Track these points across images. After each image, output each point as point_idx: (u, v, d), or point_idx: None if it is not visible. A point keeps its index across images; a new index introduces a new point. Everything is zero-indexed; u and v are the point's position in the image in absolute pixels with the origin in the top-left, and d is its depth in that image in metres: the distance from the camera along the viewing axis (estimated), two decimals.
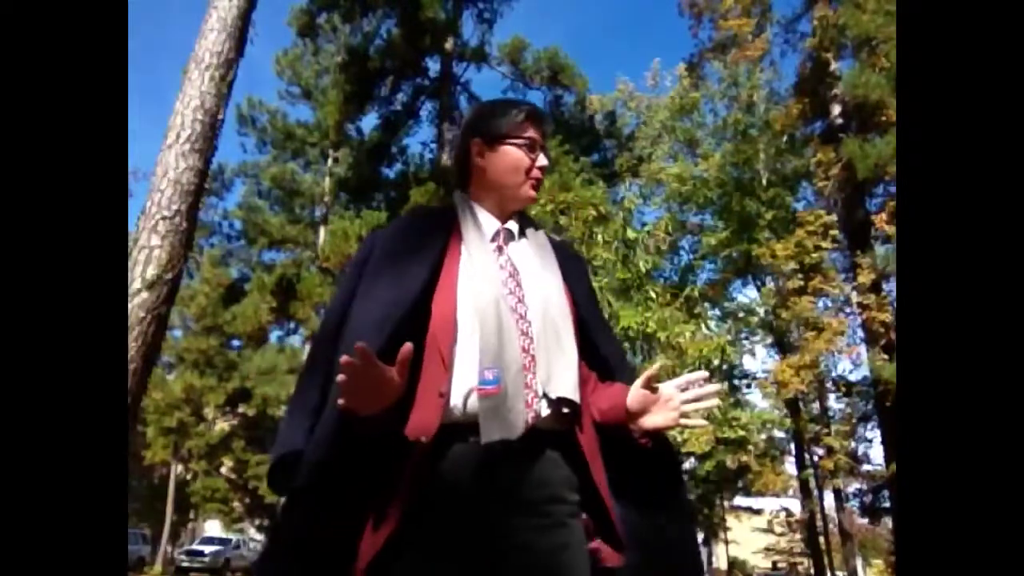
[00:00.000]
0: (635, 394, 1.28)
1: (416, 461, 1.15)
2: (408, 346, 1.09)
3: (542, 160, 1.37)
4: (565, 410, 1.22)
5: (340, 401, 1.09)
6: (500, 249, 1.33)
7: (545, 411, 1.20)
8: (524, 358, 1.20)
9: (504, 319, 1.20)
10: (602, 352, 1.36)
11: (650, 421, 1.28)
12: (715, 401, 1.30)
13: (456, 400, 1.18)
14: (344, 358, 1.05)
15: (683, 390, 1.29)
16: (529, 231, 1.41)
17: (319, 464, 1.15)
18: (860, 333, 14.47)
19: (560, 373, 1.22)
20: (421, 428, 1.16)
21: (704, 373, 1.31)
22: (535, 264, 1.33)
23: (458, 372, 1.19)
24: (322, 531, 1.17)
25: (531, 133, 1.37)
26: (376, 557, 1.12)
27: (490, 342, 1.18)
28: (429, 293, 1.25)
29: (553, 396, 1.20)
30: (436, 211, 1.43)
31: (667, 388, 1.29)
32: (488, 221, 1.37)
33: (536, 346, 1.22)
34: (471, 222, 1.34)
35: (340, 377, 1.07)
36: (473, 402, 1.17)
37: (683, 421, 1.26)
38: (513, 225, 1.39)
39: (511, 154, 1.36)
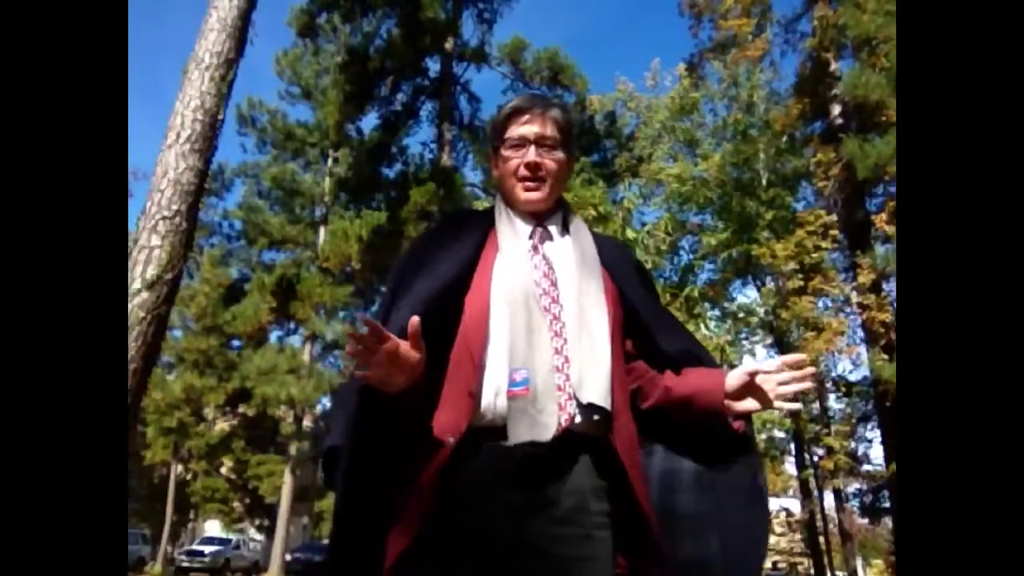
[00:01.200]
0: (736, 378, 1.27)
1: (443, 462, 1.13)
2: (416, 319, 1.08)
3: (530, 155, 1.32)
4: (595, 416, 1.19)
5: (357, 373, 1.08)
6: (535, 248, 1.31)
7: (579, 415, 1.17)
8: (556, 359, 1.18)
9: (535, 319, 1.18)
10: (664, 346, 1.32)
11: (745, 405, 1.27)
12: (808, 384, 1.28)
13: (487, 401, 1.16)
14: (349, 330, 1.06)
15: (778, 371, 1.27)
16: (573, 228, 1.38)
17: (350, 463, 1.15)
18: (860, 333, 14.47)
19: (592, 378, 1.19)
20: (449, 428, 1.15)
21: (801, 356, 1.29)
22: (572, 263, 1.30)
23: (489, 372, 1.17)
24: (352, 530, 1.16)
25: (514, 132, 1.34)
26: (400, 558, 1.12)
27: (519, 343, 1.16)
28: (462, 290, 1.24)
29: (584, 401, 1.17)
30: (476, 213, 1.42)
31: (762, 371, 1.28)
32: (523, 222, 1.35)
33: (569, 347, 1.20)
34: (507, 223, 1.33)
35: (349, 347, 1.06)
36: (503, 403, 1.15)
37: (777, 404, 1.25)
38: (554, 225, 1.37)
39: (504, 160, 1.36)
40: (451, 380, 1.19)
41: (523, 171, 1.32)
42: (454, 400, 1.17)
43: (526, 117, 1.34)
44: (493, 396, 1.16)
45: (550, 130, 1.33)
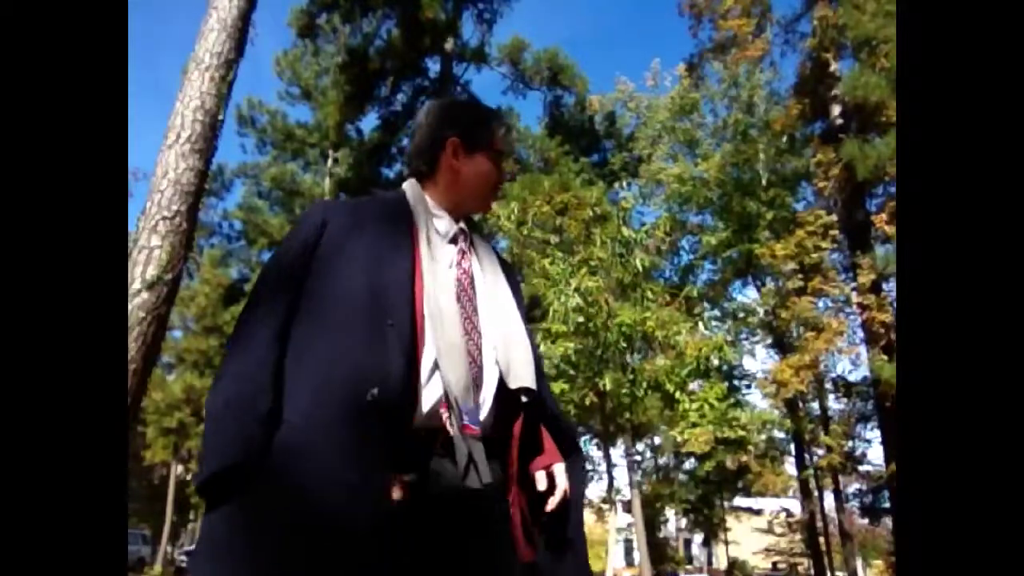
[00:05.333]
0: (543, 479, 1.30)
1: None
2: None
3: (504, 171, 1.42)
4: (524, 399, 1.25)
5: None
6: (463, 253, 1.33)
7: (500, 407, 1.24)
8: (471, 371, 1.20)
9: (454, 331, 1.21)
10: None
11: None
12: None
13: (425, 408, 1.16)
14: None
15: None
16: (475, 235, 1.42)
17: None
18: (860, 333, 14.47)
19: (522, 367, 1.26)
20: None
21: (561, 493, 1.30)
22: (488, 271, 1.36)
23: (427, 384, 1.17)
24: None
25: (502, 146, 1.40)
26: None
27: (460, 373, 1.18)
28: (411, 289, 1.20)
29: (513, 387, 1.23)
30: (392, 200, 1.35)
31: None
32: (445, 220, 1.34)
33: (484, 356, 1.24)
34: (430, 219, 1.31)
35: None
36: (438, 415, 1.16)
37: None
38: (462, 226, 1.38)
39: (486, 165, 1.36)
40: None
41: (499, 185, 1.41)
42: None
43: (509, 135, 1.43)
44: (431, 408, 1.19)
45: None
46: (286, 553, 1.03)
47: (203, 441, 1.13)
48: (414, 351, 1.14)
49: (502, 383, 1.24)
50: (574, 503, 1.31)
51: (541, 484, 1.28)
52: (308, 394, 1.10)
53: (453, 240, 1.33)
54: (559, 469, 1.30)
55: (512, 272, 1.46)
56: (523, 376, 1.24)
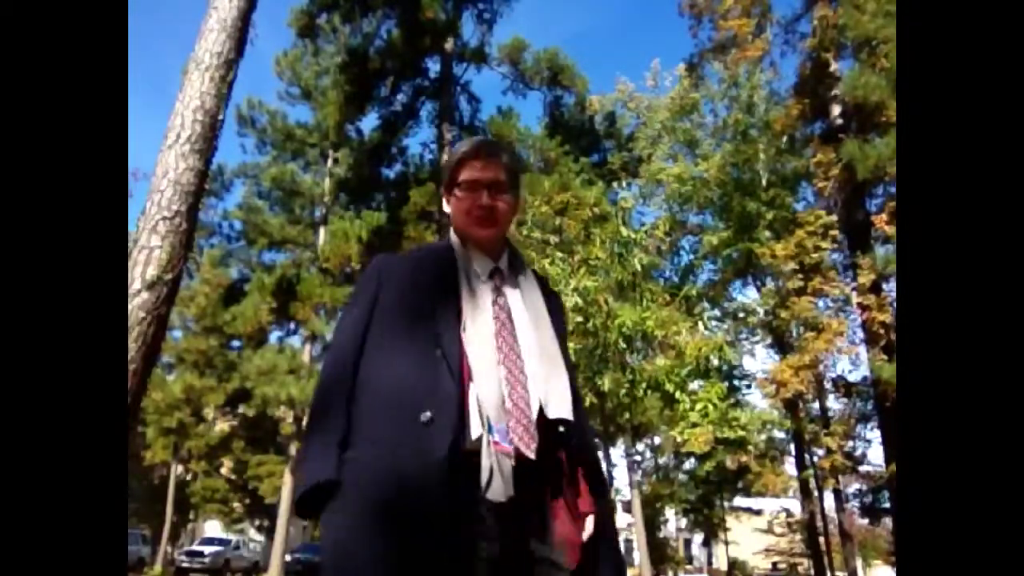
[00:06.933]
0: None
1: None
2: None
3: (483, 199, 1.41)
4: (561, 429, 1.31)
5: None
6: (497, 289, 1.41)
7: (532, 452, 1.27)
8: (509, 395, 1.28)
9: (491, 364, 1.30)
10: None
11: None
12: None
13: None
14: None
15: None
16: (518, 267, 1.48)
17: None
18: (860, 333, 14.46)
19: (560, 398, 1.32)
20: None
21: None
22: (529, 303, 1.42)
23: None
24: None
25: (467, 176, 1.44)
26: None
27: (490, 394, 1.27)
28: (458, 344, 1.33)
29: (552, 417, 1.29)
30: (440, 248, 1.48)
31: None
32: (483, 260, 1.44)
33: (521, 384, 1.30)
34: (468, 263, 1.43)
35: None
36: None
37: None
38: (504, 262, 1.46)
39: (457, 201, 1.45)
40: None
41: (476, 212, 1.42)
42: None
43: (478, 163, 1.44)
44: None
45: (499, 174, 1.44)
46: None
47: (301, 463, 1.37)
48: (461, 377, 1.27)
49: (541, 413, 1.30)
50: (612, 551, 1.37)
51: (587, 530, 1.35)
52: (373, 416, 1.26)
53: (491, 277, 1.43)
54: (590, 522, 1.36)
55: (554, 298, 1.53)
56: (561, 408, 1.31)
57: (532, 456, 1.24)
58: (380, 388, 1.27)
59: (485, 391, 1.26)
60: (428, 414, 1.21)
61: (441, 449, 1.18)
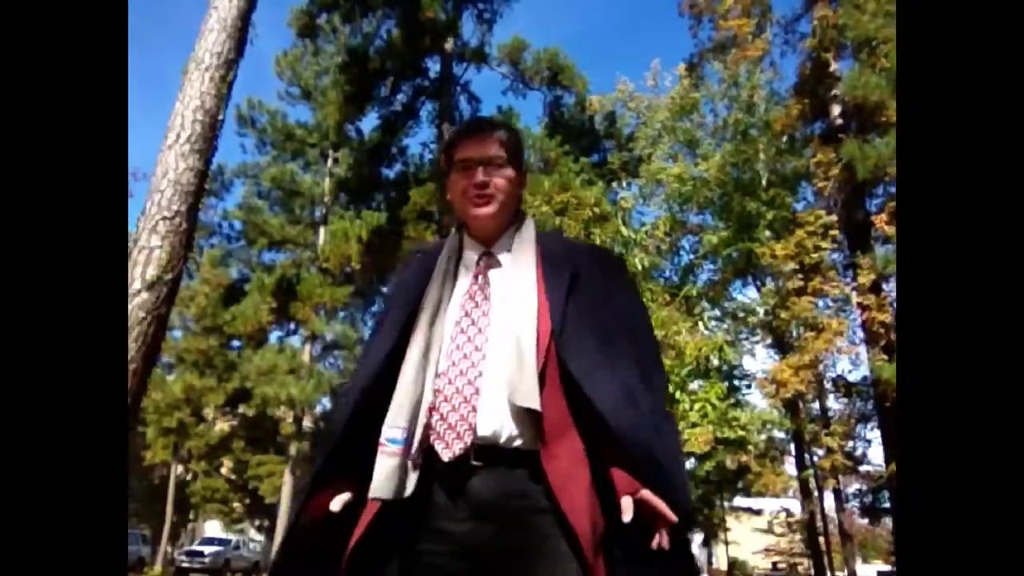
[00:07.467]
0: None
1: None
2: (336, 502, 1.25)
3: (478, 176, 1.35)
4: (515, 426, 1.20)
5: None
6: (477, 277, 1.35)
7: (510, 435, 1.21)
8: (462, 380, 1.24)
9: (419, 372, 1.26)
10: (574, 364, 1.24)
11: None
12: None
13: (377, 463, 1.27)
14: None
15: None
16: (516, 246, 1.38)
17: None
18: (860, 333, 14.46)
19: (514, 383, 1.21)
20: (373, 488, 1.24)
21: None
22: (510, 287, 1.32)
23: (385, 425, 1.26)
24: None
25: (460, 155, 1.39)
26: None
27: (401, 397, 1.24)
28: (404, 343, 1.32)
29: (516, 407, 1.20)
30: (440, 246, 1.45)
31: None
32: (472, 249, 1.40)
33: (485, 379, 1.23)
34: (453, 257, 1.40)
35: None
36: (380, 461, 1.23)
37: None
38: (506, 246, 1.39)
39: (453, 183, 1.41)
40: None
41: (472, 191, 1.36)
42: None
43: (471, 140, 1.40)
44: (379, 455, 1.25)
45: (495, 150, 1.38)
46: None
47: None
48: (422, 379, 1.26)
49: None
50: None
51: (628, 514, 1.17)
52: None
53: (479, 263, 1.38)
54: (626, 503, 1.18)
55: (587, 258, 1.39)
56: (524, 397, 1.19)
57: (444, 458, 1.19)
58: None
59: (397, 398, 1.24)
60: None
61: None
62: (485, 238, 1.40)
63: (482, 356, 1.25)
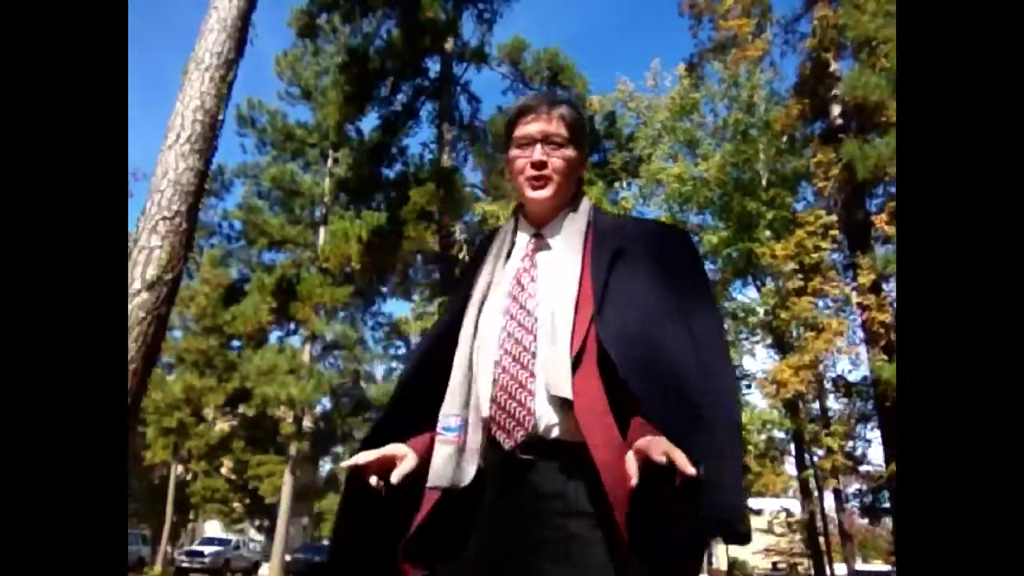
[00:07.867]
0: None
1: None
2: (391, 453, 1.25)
3: (536, 154, 1.30)
4: (558, 414, 1.16)
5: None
6: (524, 260, 1.32)
7: (546, 415, 1.17)
8: (505, 388, 1.20)
9: (474, 358, 1.26)
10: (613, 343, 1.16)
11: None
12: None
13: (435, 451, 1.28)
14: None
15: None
16: (566, 227, 1.33)
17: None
18: (860, 333, 14.47)
19: (552, 374, 1.17)
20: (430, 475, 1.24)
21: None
22: (556, 269, 1.28)
23: (442, 412, 1.27)
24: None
25: (521, 131, 1.33)
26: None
27: (455, 385, 1.25)
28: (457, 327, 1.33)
29: (552, 396, 1.17)
30: (492, 234, 1.45)
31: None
32: (525, 231, 1.38)
33: (536, 362, 1.20)
34: (507, 239, 1.38)
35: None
36: (437, 450, 1.24)
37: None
38: (557, 228, 1.34)
39: (511, 159, 1.36)
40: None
41: (529, 170, 1.31)
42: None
43: (532, 116, 1.33)
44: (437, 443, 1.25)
45: (556, 127, 1.32)
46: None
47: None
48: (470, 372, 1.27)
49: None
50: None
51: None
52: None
53: (528, 245, 1.35)
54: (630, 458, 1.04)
55: (632, 244, 1.29)
56: (557, 387, 1.16)
57: (505, 446, 1.17)
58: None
59: (450, 386, 1.25)
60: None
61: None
62: (538, 220, 1.36)
63: (533, 338, 1.22)
